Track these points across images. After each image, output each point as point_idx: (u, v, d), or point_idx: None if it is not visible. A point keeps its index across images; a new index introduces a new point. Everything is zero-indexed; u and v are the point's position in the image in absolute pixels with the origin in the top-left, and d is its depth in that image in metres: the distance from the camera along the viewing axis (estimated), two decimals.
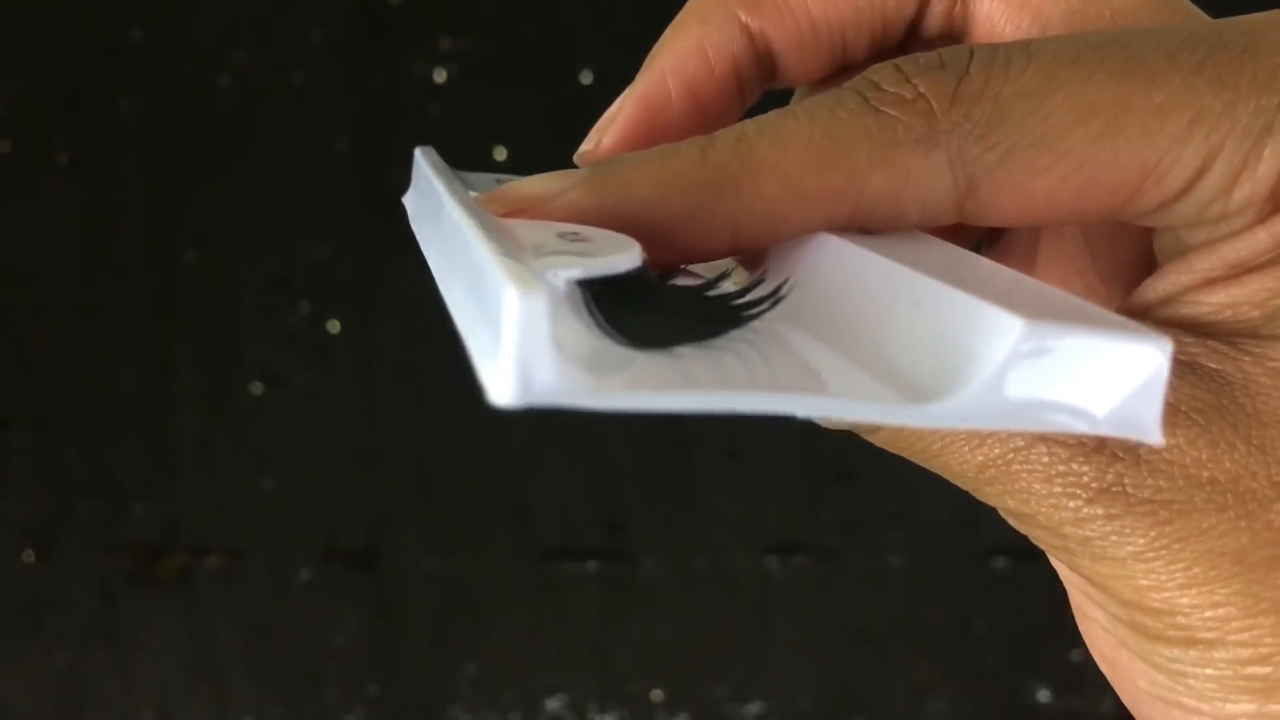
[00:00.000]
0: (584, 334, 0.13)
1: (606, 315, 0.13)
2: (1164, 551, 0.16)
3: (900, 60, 0.17)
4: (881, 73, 0.17)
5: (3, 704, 0.60)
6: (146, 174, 0.61)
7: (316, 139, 0.60)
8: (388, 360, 0.60)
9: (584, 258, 0.14)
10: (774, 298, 0.16)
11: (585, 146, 0.21)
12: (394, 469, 0.60)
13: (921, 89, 0.16)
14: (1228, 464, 0.15)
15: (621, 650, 0.60)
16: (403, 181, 0.21)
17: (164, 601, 0.60)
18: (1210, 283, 0.16)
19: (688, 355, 0.14)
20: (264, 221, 0.60)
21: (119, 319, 0.60)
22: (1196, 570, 0.16)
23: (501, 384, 0.12)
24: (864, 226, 0.17)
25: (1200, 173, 0.16)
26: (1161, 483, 0.16)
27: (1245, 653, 0.16)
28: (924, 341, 0.14)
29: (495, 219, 0.16)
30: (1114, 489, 0.16)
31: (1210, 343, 0.16)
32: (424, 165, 0.19)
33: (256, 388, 0.60)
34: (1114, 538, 0.16)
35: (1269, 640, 0.16)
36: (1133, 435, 0.13)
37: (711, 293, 0.16)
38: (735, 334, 0.15)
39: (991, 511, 0.18)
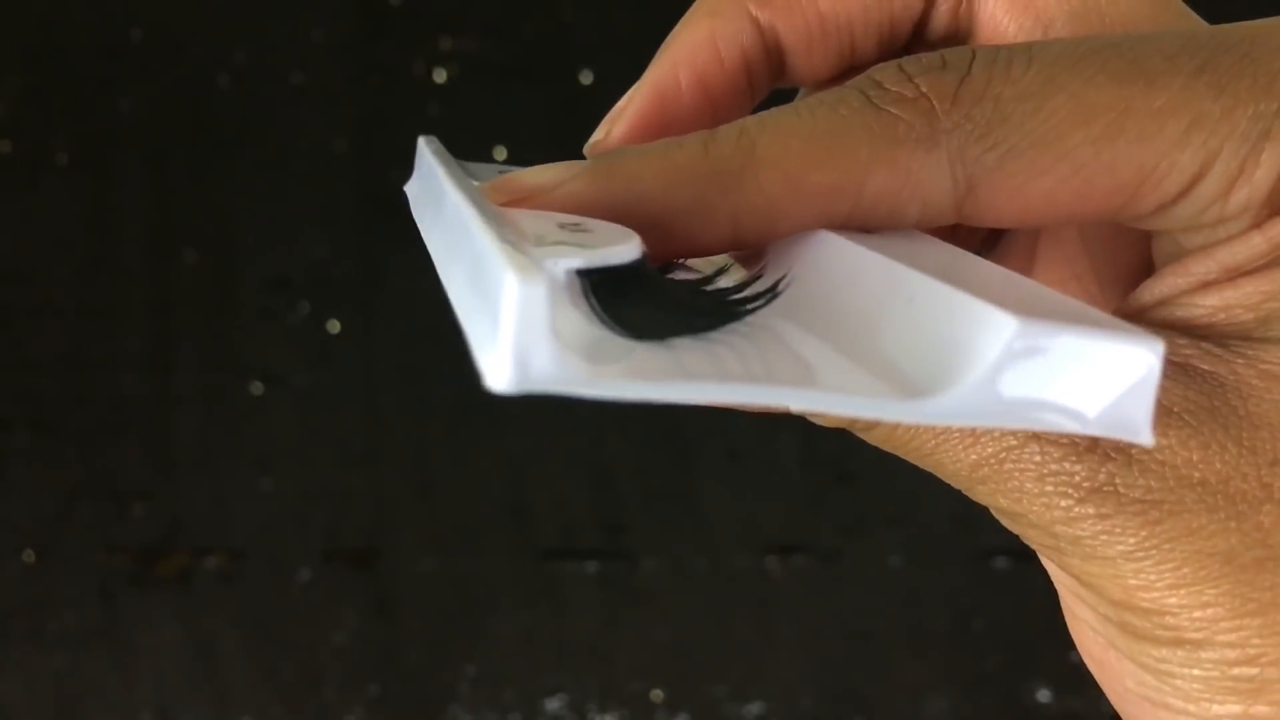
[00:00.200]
0: (582, 323, 0.13)
1: (604, 305, 0.13)
2: (1154, 551, 0.16)
3: (903, 60, 0.17)
4: (884, 71, 0.17)
5: (3, 704, 0.60)
6: (146, 174, 0.61)
7: (316, 139, 0.60)
8: (388, 360, 0.60)
9: (584, 248, 0.14)
10: (771, 293, 0.16)
11: (596, 136, 0.22)
12: (394, 469, 0.60)
13: (924, 88, 0.16)
14: (1218, 465, 0.16)
15: (621, 650, 0.60)
16: (402, 182, 0.21)
17: (164, 601, 0.60)
18: (1205, 286, 0.17)
19: (684, 347, 0.14)
20: (264, 221, 0.60)
21: (119, 319, 0.60)
22: (1186, 570, 0.16)
23: (499, 370, 0.12)
24: (864, 225, 0.17)
25: (1198, 177, 0.16)
26: (1153, 483, 0.16)
27: (1232, 654, 0.16)
28: (918, 338, 0.14)
29: (496, 208, 0.16)
30: (1105, 489, 0.16)
31: (1204, 345, 0.16)
32: (427, 153, 0.20)
33: (256, 388, 0.60)
34: (1104, 537, 0.16)
35: (1256, 641, 0.16)
36: (1123, 436, 0.13)
37: (709, 287, 0.16)
38: (732, 327, 0.15)
39: (991, 512, 0.18)
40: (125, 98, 0.61)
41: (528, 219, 0.16)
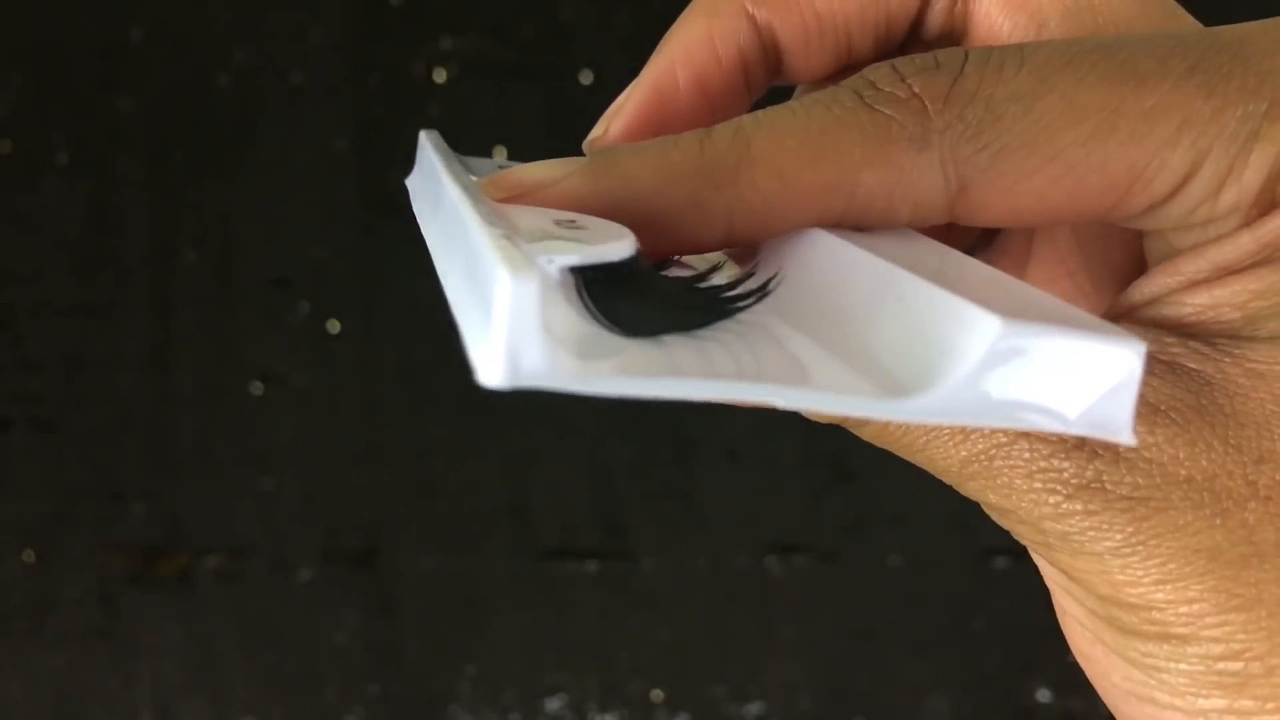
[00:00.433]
0: (574, 319, 0.13)
1: (597, 302, 0.14)
2: (1140, 547, 0.16)
3: (896, 60, 0.17)
4: (878, 72, 0.17)
5: (3, 704, 0.60)
6: (146, 174, 0.61)
7: (316, 139, 0.60)
8: (388, 360, 0.60)
9: (578, 245, 0.14)
10: (762, 291, 0.16)
11: (594, 133, 0.22)
12: (394, 469, 0.60)
13: (916, 89, 0.16)
14: (1204, 463, 0.16)
15: (621, 650, 0.60)
16: (403, 182, 0.21)
17: (164, 601, 0.60)
18: (1195, 285, 0.17)
19: (675, 344, 0.14)
20: (264, 221, 0.60)
21: (119, 319, 0.60)
22: (1172, 566, 0.16)
23: (491, 365, 0.12)
24: (857, 224, 0.17)
25: (1188, 176, 0.16)
26: (1140, 480, 0.16)
27: (1217, 648, 0.16)
28: (905, 337, 0.14)
29: (493, 203, 0.16)
30: (1093, 485, 0.16)
31: (1192, 343, 0.16)
32: (428, 147, 0.20)
33: (256, 388, 0.60)
34: (1092, 533, 0.16)
35: (1241, 636, 0.16)
36: (1104, 436, 0.13)
37: (702, 284, 0.16)
38: (723, 325, 0.15)
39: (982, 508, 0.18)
40: (125, 98, 0.61)
41: (523, 215, 0.16)
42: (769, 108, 0.17)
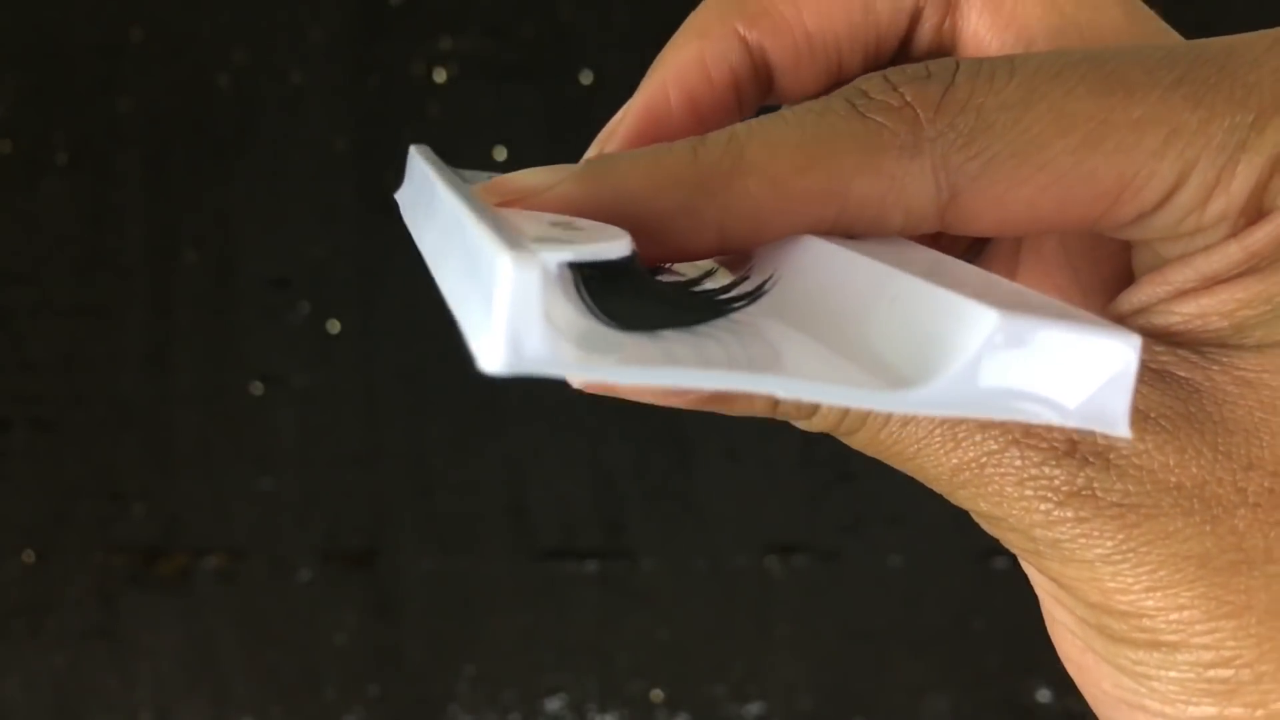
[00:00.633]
0: (573, 314, 0.13)
1: (595, 298, 0.14)
2: (1131, 554, 0.16)
3: (888, 70, 0.17)
4: (870, 81, 0.17)
5: (3, 704, 0.60)
6: (146, 174, 0.61)
7: (316, 139, 0.60)
8: (388, 360, 0.60)
9: (575, 243, 0.14)
10: (757, 292, 0.16)
11: (589, 155, 0.22)
12: (394, 469, 0.60)
13: (908, 97, 0.16)
14: (1194, 469, 0.16)
15: (621, 650, 0.60)
16: (402, 181, 0.21)
17: (164, 601, 0.60)
18: (1183, 294, 0.17)
19: (671, 338, 0.14)
20: (264, 221, 0.60)
21: (119, 319, 0.60)
22: (1162, 573, 0.16)
23: (492, 351, 0.12)
24: (849, 231, 0.17)
25: (1176, 186, 0.16)
26: (1130, 487, 0.16)
27: (1208, 655, 0.16)
28: (902, 333, 0.14)
29: (489, 207, 0.16)
30: (1084, 492, 0.16)
31: (1180, 352, 0.16)
32: (419, 159, 0.20)
33: (256, 388, 0.60)
34: (1083, 540, 0.16)
35: (1231, 644, 0.16)
36: (1101, 428, 0.13)
37: (696, 289, 0.16)
38: (719, 323, 0.15)
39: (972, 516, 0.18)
40: (125, 98, 0.61)
41: (520, 218, 0.16)
42: (762, 116, 0.17)
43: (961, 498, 0.17)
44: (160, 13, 0.61)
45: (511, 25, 0.60)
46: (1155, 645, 0.16)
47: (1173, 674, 0.16)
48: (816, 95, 0.22)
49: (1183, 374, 0.16)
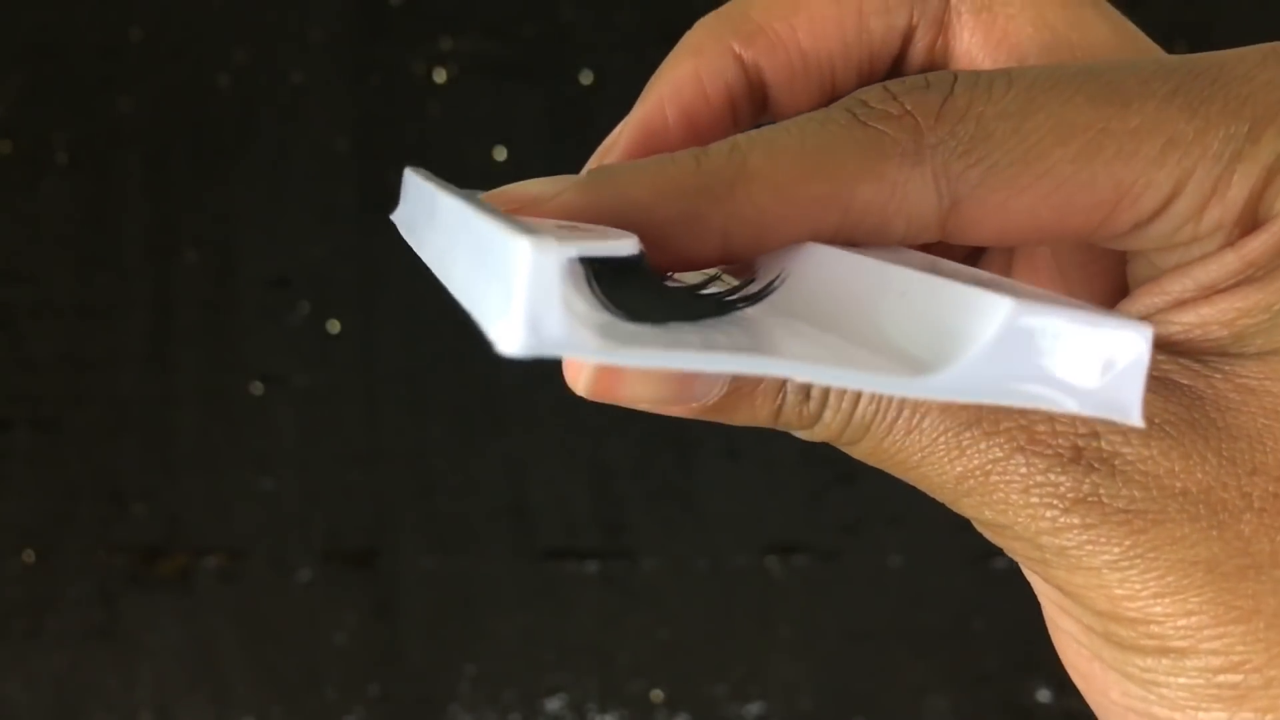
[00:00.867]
0: (585, 305, 0.13)
1: (606, 292, 0.14)
2: (1138, 560, 0.16)
3: (888, 81, 0.17)
4: (870, 92, 0.17)
5: (3, 704, 0.60)
6: (146, 174, 0.61)
7: (316, 139, 0.60)
8: (388, 360, 0.60)
9: (584, 241, 0.14)
10: (764, 291, 0.16)
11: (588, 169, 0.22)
12: (394, 469, 0.60)
13: (908, 106, 0.17)
14: (1199, 475, 0.16)
15: (621, 650, 0.60)
16: (401, 183, 0.21)
17: (164, 601, 0.60)
18: (1182, 304, 0.17)
19: (681, 329, 0.14)
20: (264, 221, 0.60)
21: (119, 319, 0.60)
22: (1170, 579, 0.16)
23: (512, 333, 0.12)
24: (850, 239, 0.17)
25: (1173, 195, 0.16)
26: (1136, 493, 0.16)
27: (1217, 661, 0.16)
28: (915, 324, 0.14)
29: (496, 207, 0.17)
30: (1090, 499, 0.16)
31: (1182, 360, 0.17)
32: (415, 178, 0.20)
33: (256, 388, 0.60)
34: (1090, 547, 0.16)
35: (1240, 648, 0.16)
36: (1114, 416, 0.14)
37: (702, 292, 0.16)
38: (727, 318, 0.15)
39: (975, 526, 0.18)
40: (125, 98, 0.61)
41: (527, 221, 0.16)
42: (763, 127, 0.17)
43: (966, 506, 0.17)
44: (160, 13, 0.61)
45: (511, 25, 0.60)
46: (1164, 651, 0.16)
47: (1182, 680, 0.16)
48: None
49: (1185, 382, 0.16)
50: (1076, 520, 0.16)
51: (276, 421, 0.60)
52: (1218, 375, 0.16)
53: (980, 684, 0.60)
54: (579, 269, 0.14)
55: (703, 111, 0.21)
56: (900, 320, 0.15)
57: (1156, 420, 0.16)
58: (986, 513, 0.17)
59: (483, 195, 0.18)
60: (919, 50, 0.21)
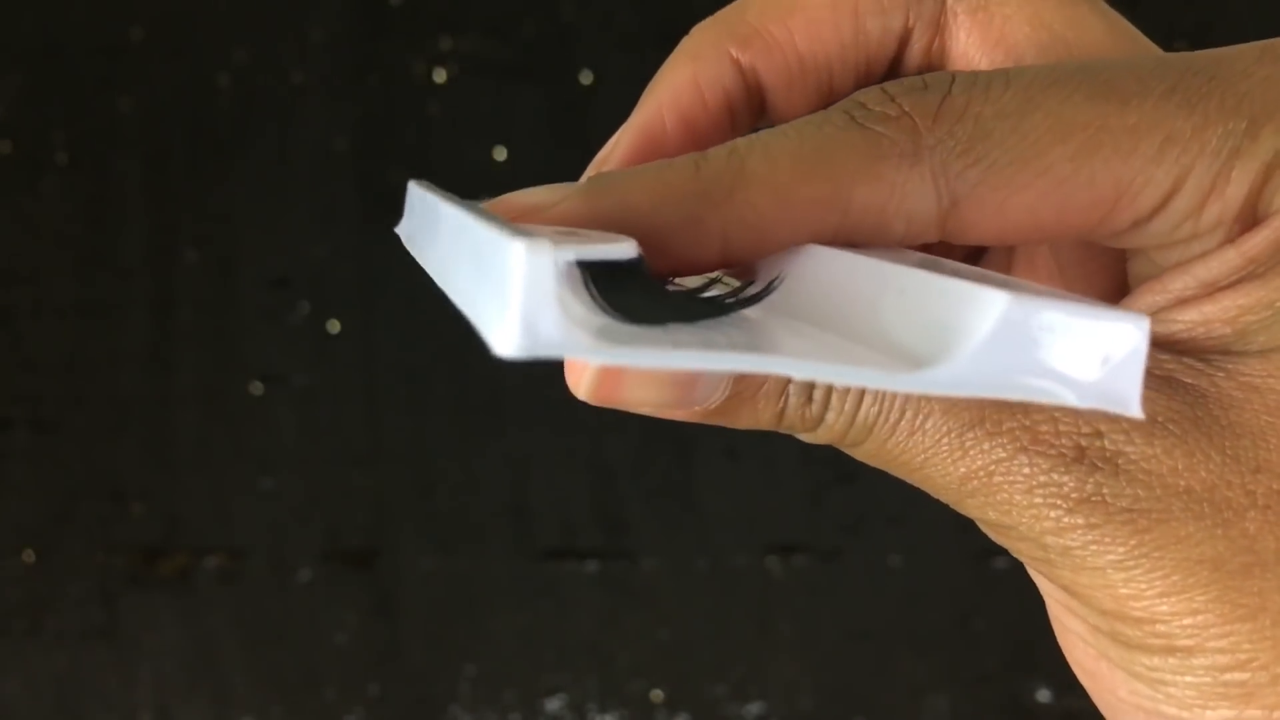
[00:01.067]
0: (581, 308, 0.14)
1: (603, 294, 0.14)
2: (1143, 560, 0.16)
3: (885, 83, 0.17)
4: (867, 94, 0.17)
5: (3, 704, 0.60)
6: (146, 174, 0.61)
7: (316, 139, 0.60)
8: (388, 360, 0.60)
9: (582, 245, 0.14)
10: (764, 292, 0.16)
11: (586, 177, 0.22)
12: (394, 469, 0.60)
13: (906, 107, 0.17)
14: (1203, 473, 0.16)
15: (621, 650, 0.60)
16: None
17: (164, 601, 0.60)
18: (1183, 302, 0.17)
19: (679, 329, 0.14)
20: (264, 221, 0.60)
21: (119, 319, 0.60)
22: (1175, 578, 0.16)
23: (507, 335, 0.12)
24: (850, 240, 0.17)
25: (1172, 192, 0.16)
26: (1140, 492, 0.16)
27: (1223, 659, 0.16)
28: (913, 320, 0.14)
29: (496, 214, 0.17)
30: (1094, 499, 0.16)
31: (1186, 360, 0.17)
32: (418, 190, 0.20)
33: (256, 388, 0.60)
34: (1094, 547, 0.16)
35: (1246, 646, 0.16)
36: (1113, 408, 0.14)
37: (702, 295, 0.16)
38: (726, 319, 0.15)
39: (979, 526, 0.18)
40: (125, 98, 0.61)
41: (527, 227, 0.16)
42: (762, 130, 0.17)
43: (969, 507, 0.17)
44: (160, 13, 0.61)
45: (511, 25, 0.60)
46: (1170, 650, 0.16)
47: (1189, 679, 0.16)
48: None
49: (1189, 380, 0.16)
50: (1080, 520, 0.16)
51: (276, 421, 0.60)
52: (1221, 373, 0.16)
53: (980, 684, 0.60)
54: (576, 272, 0.14)
55: (701, 117, 0.21)
56: (899, 318, 0.15)
57: (1160, 419, 0.16)
58: (990, 514, 0.17)
59: (484, 204, 0.18)
60: (916, 51, 0.21)
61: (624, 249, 0.15)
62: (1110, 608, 0.17)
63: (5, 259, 0.61)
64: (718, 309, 0.15)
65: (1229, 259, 0.16)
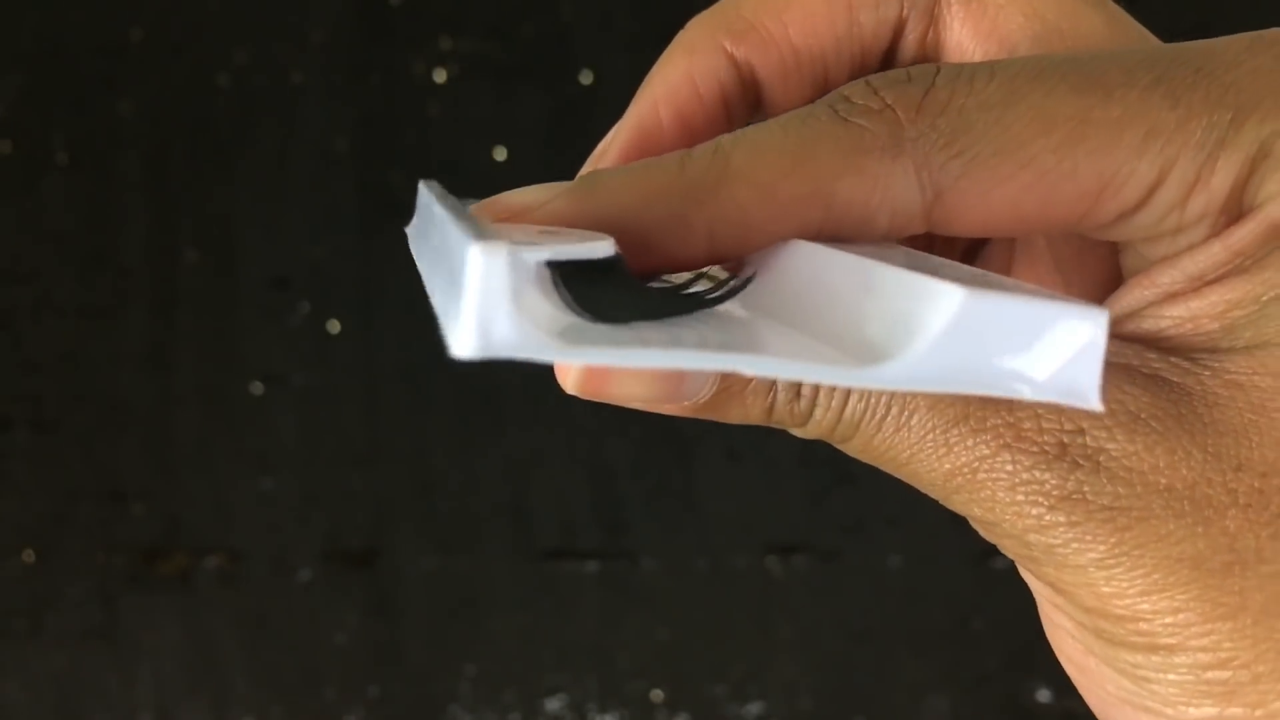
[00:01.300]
0: (546, 307, 0.14)
1: (574, 294, 0.14)
2: (1124, 558, 0.16)
3: (870, 76, 0.17)
4: (852, 88, 0.17)
5: (3, 704, 0.60)
6: (146, 174, 0.61)
7: (316, 139, 0.60)
8: (388, 360, 0.60)
9: (554, 244, 0.14)
10: (736, 288, 0.16)
11: (583, 173, 0.22)
12: (394, 469, 0.60)
13: (889, 100, 0.17)
14: (1185, 471, 0.16)
15: (621, 650, 0.60)
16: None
17: (164, 601, 0.60)
18: (1171, 297, 0.17)
19: (645, 327, 0.14)
20: (264, 221, 0.60)
21: (119, 319, 0.60)
22: (1156, 576, 0.16)
23: (462, 336, 0.12)
24: (836, 234, 0.17)
25: (1156, 184, 0.16)
26: (1120, 489, 0.16)
27: (1205, 657, 0.16)
28: (873, 317, 0.14)
29: (480, 219, 0.17)
30: (1074, 496, 0.16)
31: (1172, 359, 0.17)
32: (424, 192, 0.20)
33: (256, 388, 0.60)
34: (1075, 545, 0.16)
35: (1227, 645, 0.16)
36: (1073, 401, 0.14)
37: (684, 291, 0.17)
38: (696, 315, 0.15)
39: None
40: (125, 98, 0.61)
41: (509, 228, 0.16)
42: (747, 127, 0.18)
43: (956, 503, 0.17)
44: (160, 13, 0.61)
45: (511, 25, 0.60)
46: (1153, 648, 0.16)
47: (1171, 677, 0.16)
48: None
49: (1175, 379, 0.16)
50: (1062, 518, 0.16)
51: (276, 421, 0.60)
52: (1207, 372, 0.16)
53: (980, 684, 0.60)
54: (545, 272, 0.14)
55: (697, 111, 0.21)
56: (863, 314, 0.15)
57: (1143, 415, 0.16)
58: (975, 510, 0.17)
59: (476, 205, 0.18)
60: (910, 43, 0.21)
61: (599, 248, 0.15)
62: (1093, 605, 0.17)
63: (5, 259, 0.61)
64: (687, 305, 0.15)
65: (1215, 253, 0.16)
